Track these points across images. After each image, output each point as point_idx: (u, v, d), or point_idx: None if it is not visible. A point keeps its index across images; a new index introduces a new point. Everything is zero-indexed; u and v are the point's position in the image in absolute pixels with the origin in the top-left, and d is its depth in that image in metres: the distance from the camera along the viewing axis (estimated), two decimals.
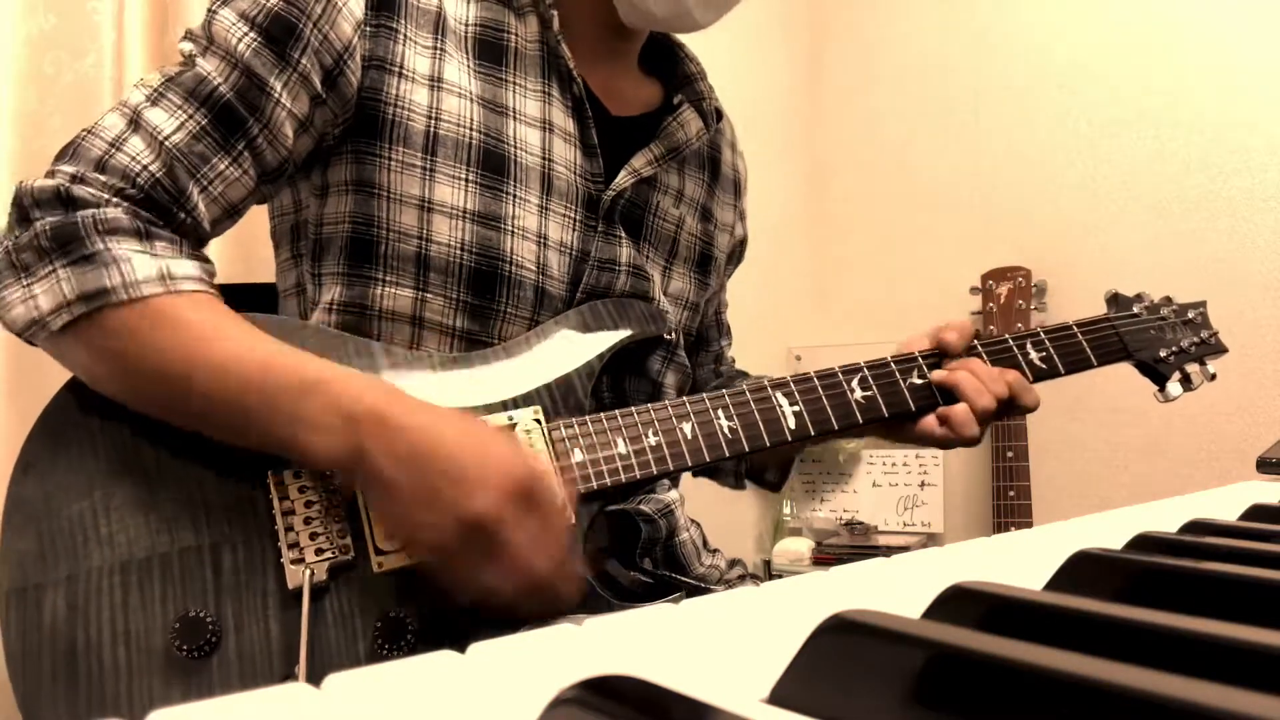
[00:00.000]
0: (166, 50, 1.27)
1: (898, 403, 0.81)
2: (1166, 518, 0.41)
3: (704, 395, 0.76)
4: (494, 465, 0.61)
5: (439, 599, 0.64)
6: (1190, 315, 0.92)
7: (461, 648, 0.23)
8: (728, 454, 0.75)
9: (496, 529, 0.60)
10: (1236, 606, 0.24)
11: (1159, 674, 0.17)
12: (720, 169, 0.96)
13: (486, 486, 0.60)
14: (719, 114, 0.93)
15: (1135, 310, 0.91)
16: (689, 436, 0.74)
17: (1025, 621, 0.23)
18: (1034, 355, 0.85)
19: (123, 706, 0.59)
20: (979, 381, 0.81)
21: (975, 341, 0.85)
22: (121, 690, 0.60)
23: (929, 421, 0.82)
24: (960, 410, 0.80)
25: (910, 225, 2.33)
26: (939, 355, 0.84)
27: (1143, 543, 0.34)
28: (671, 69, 0.93)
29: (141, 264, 0.64)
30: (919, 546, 2.08)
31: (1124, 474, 1.96)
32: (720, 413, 0.76)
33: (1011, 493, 1.88)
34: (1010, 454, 1.90)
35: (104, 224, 0.64)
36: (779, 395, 0.78)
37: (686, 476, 0.85)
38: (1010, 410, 0.83)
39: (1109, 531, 0.38)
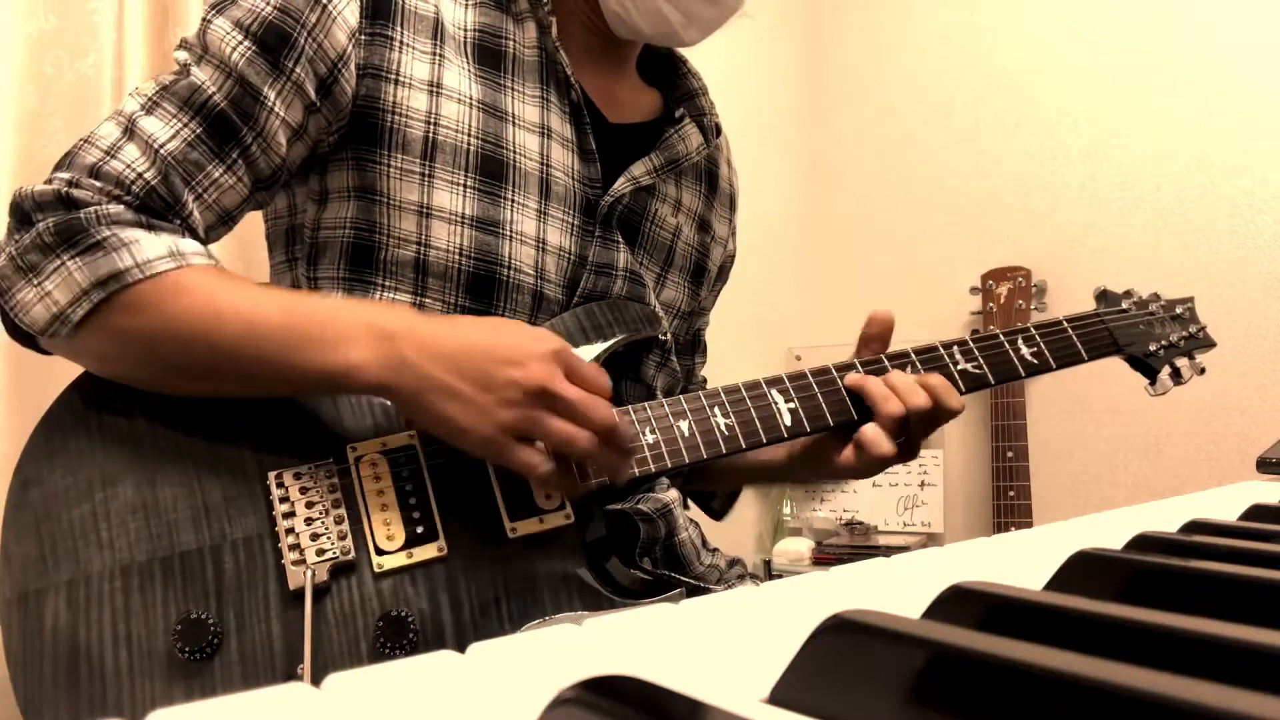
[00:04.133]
0: (166, 50, 1.27)
1: None
2: (1166, 518, 0.41)
3: (700, 393, 0.76)
4: (529, 340, 0.65)
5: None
6: (1178, 310, 0.93)
7: (460, 648, 0.23)
8: (725, 451, 0.75)
9: (556, 386, 0.63)
10: (1236, 606, 0.24)
11: (1159, 674, 0.17)
12: (718, 183, 0.97)
13: (532, 356, 0.63)
14: (718, 129, 0.94)
15: (1124, 306, 0.92)
16: (686, 434, 0.74)
17: (1025, 621, 0.23)
18: (1025, 350, 0.85)
19: (125, 709, 0.59)
20: (886, 389, 0.77)
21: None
22: (123, 693, 0.60)
23: (847, 454, 0.80)
24: (868, 429, 0.77)
25: (910, 225, 2.33)
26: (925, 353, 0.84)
27: (1142, 543, 0.34)
28: (672, 80, 0.93)
29: (150, 244, 0.64)
30: (919, 546, 2.08)
31: (1124, 474, 1.96)
32: (717, 410, 0.76)
33: (1011, 493, 1.88)
34: (1010, 454, 1.90)
35: (106, 216, 0.64)
36: (774, 392, 0.78)
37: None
38: (935, 418, 0.79)
39: (1109, 531, 0.38)
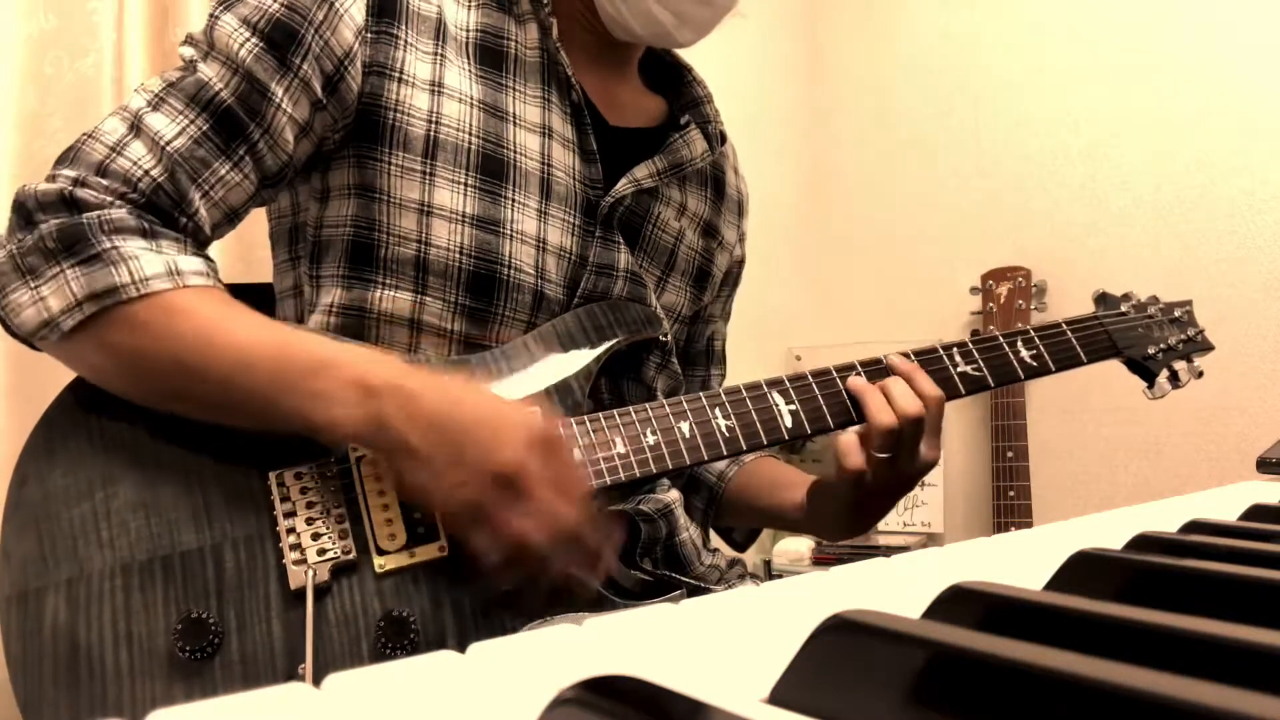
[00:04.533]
0: (166, 50, 1.27)
1: None
2: (1166, 518, 0.41)
3: (700, 395, 0.76)
4: (512, 421, 0.63)
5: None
6: (1177, 314, 0.94)
7: (462, 648, 0.23)
8: (726, 453, 0.75)
9: (524, 478, 0.61)
10: (1236, 606, 0.24)
11: (1159, 674, 0.17)
12: (725, 189, 0.97)
13: (508, 439, 0.62)
14: (723, 137, 0.94)
15: (1123, 309, 0.92)
16: (687, 435, 0.74)
17: (1025, 621, 0.23)
18: (1025, 353, 0.85)
19: (125, 708, 0.59)
20: (883, 399, 0.78)
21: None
22: (124, 692, 0.60)
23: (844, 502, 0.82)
24: (843, 437, 0.79)
25: (910, 225, 2.33)
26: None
27: (1143, 543, 0.34)
28: (677, 88, 0.94)
29: (150, 261, 0.64)
30: (919, 546, 2.08)
31: (1124, 474, 1.96)
32: (717, 411, 0.76)
33: (1011, 493, 1.88)
34: (1010, 454, 1.90)
35: (109, 224, 0.64)
36: (775, 394, 0.78)
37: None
38: (928, 425, 0.79)
39: (1109, 531, 0.38)
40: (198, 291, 0.65)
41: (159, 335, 0.63)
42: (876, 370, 0.81)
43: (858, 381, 0.79)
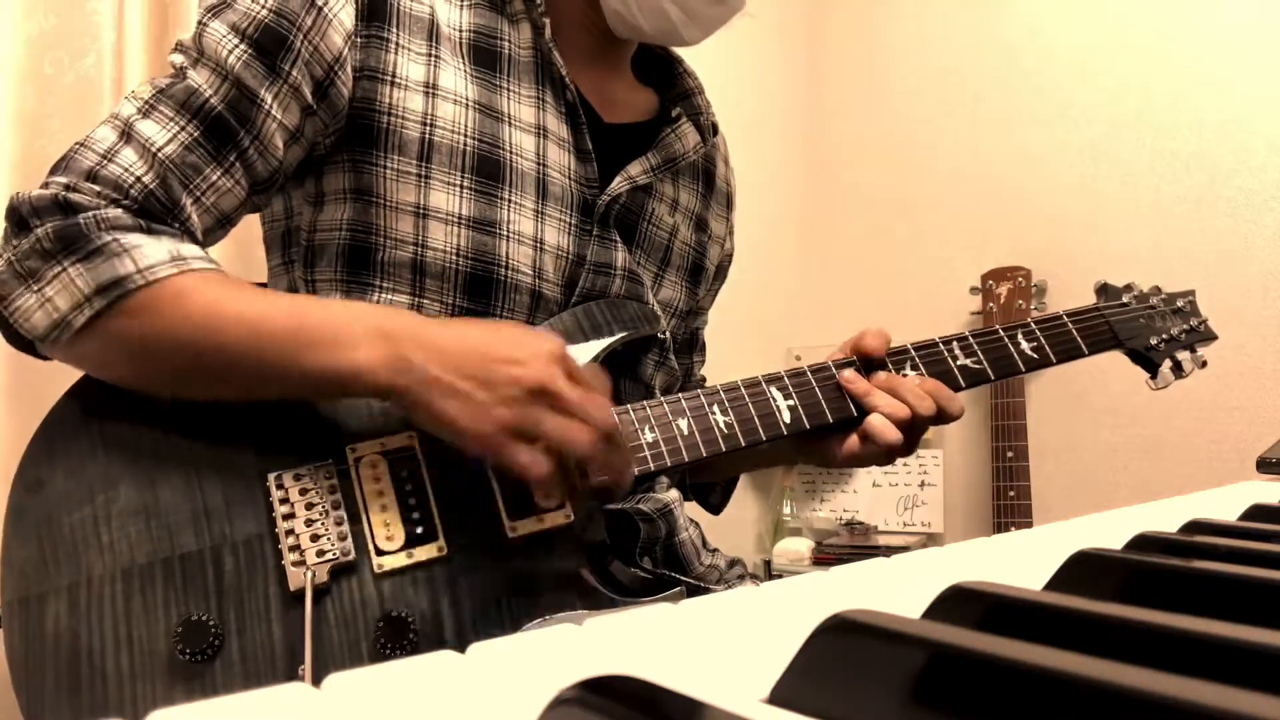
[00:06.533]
0: (166, 51, 1.26)
1: None
2: (1166, 518, 0.41)
3: (699, 391, 0.76)
4: (529, 340, 0.65)
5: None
6: (1179, 304, 0.93)
7: (462, 648, 0.23)
8: (724, 449, 0.75)
9: (554, 387, 0.63)
10: (1236, 606, 0.24)
11: (1159, 674, 0.17)
12: (715, 182, 0.97)
13: (532, 355, 0.63)
14: (714, 128, 0.94)
15: (1125, 300, 0.91)
16: (685, 432, 0.74)
17: (1025, 621, 0.23)
18: (1025, 345, 0.84)
19: (126, 711, 0.59)
20: (896, 397, 0.78)
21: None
22: (125, 695, 0.60)
23: (852, 442, 0.80)
24: (874, 419, 0.78)
25: (910, 225, 2.33)
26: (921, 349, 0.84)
27: (1143, 543, 0.34)
28: (668, 80, 0.93)
29: (151, 249, 0.64)
30: (919, 546, 2.08)
31: (1124, 474, 1.96)
32: (716, 408, 0.76)
33: (1011, 493, 1.88)
34: (1010, 454, 1.90)
35: (105, 221, 0.64)
36: (773, 389, 0.78)
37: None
38: (936, 421, 0.80)
39: (1109, 531, 0.38)
40: (202, 274, 0.65)
41: (170, 319, 0.63)
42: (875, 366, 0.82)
43: (861, 385, 0.79)
